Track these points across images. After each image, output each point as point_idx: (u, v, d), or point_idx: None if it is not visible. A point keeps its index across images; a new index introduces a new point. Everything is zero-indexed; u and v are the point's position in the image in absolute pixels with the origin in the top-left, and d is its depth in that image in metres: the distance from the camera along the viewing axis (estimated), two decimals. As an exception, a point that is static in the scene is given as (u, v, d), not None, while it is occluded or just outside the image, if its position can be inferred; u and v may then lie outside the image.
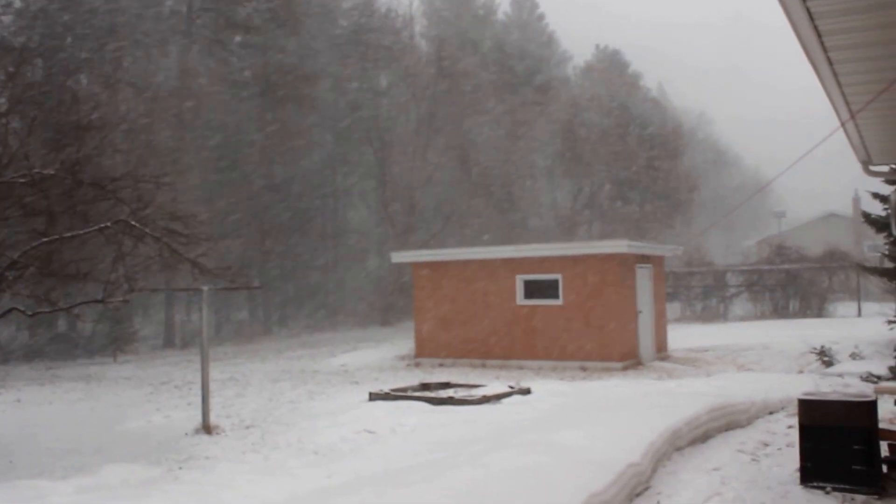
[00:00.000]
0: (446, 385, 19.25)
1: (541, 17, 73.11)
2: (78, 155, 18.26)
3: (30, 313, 17.50)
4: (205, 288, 15.92)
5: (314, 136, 44.91)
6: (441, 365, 24.81)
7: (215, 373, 16.54)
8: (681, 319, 42.16)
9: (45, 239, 15.82)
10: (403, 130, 49.81)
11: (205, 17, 40.77)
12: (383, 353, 27.82)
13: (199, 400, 15.99)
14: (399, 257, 28.11)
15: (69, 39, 33.99)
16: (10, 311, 17.46)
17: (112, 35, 35.44)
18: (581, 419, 14.03)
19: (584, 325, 24.02)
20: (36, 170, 16.11)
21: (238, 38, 42.43)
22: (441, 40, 53.28)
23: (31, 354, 31.86)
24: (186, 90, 37.83)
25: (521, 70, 58.28)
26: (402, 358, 26.61)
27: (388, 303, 44.97)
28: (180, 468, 12.28)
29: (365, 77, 47.97)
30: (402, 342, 29.22)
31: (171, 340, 37.11)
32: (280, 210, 43.53)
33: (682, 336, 29.69)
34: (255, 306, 44.50)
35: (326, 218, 47.55)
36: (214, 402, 15.90)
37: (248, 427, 15.47)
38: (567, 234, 56.82)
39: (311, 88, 42.75)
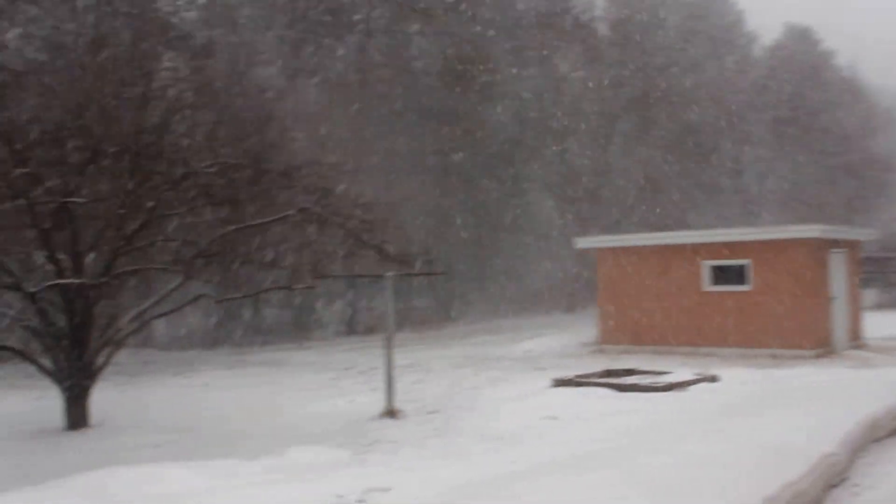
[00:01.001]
0: (631, 372, 18.83)
1: (727, -7, 70.65)
2: (262, 144, 18.64)
3: (217, 299, 17.99)
4: (389, 274, 15.96)
5: (494, 123, 44.78)
6: (625, 352, 24.30)
7: (398, 358, 16.57)
8: (877, 306, 40.07)
9: (232, 227, 16.20)
10: (585, 115, 49.15)
11: (383, 7, 41.23)
12: (566, 340, 27.49)
13: (382, 385, 16.07)
14: (583, 243, 27.73)
15: (250, 32, 34.95)
16: (198, 297, 18.04)
17: (292, 26, 36.27)
18: (771, 407, 13.58)
19: (774, 311, 23.12)
20: (222, 159, 16.52)
21: (416, 27, 42.70)
22: (623, 22, 52.29)
23: (218, 340, 32.95)
24: (365, 79, 38.36)
25: (705, 51, 56.61)
26: (586, 344, 26.22)
27: (572, 289, 44.56)
28: (365, 451, 12.31)
29: (545, 62, 47.55)
30: (585, 329, 28.79)
31: (354, 327, 37.74)
32: (461, 197, 43.66)
33: (878, 324, 28.15)
34: (437, 293, 44.79)
35: (508, 204, 47.38)
36: (397, 387, 15.94)
37: (431, 412, 15.44)
38: (754, 219, 55.00)
39: (490, 75, 42.67)
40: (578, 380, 17.37)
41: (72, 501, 9.43)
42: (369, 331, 35.36)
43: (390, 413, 15.18)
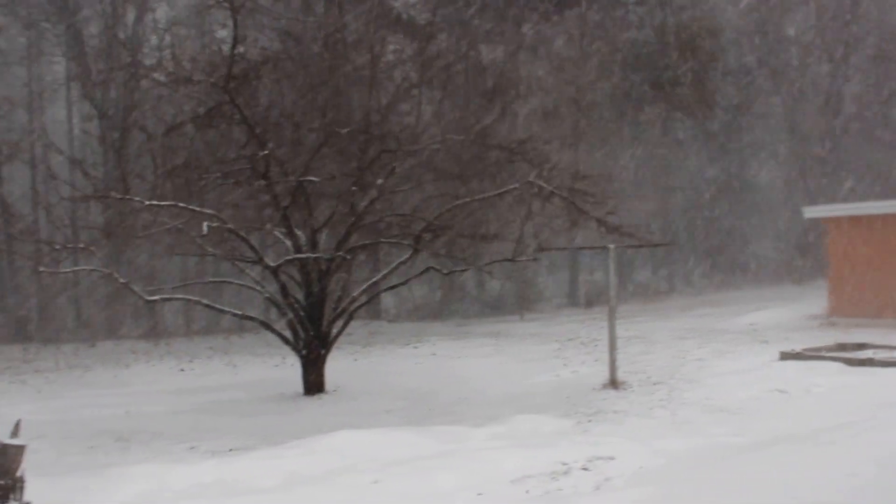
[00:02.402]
0: (864, 346, 18.07)
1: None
2: (485, 120, 19.02)
3: (445, 272, 18.54)
4: (611, 246, 16.02)
5: (717, 91, 43.69)
6: (858, 325, 23.28)
7: (620, 330, 16.60)
8: None
9: (458, 201, 16.67)
10: (814, 78, 47.15)
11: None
12: (793, 312, 26.63)
13: (605, 356, 16.19)
14: (812, 212, 26.74)
15: (471, 11, 35.42)
16: (427, 269, 18.68)
17: (512, 4, 36.50)
18: None
19: None
20: (447, 136, 17.01)
21: (633, -3, 42.23)
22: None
23: (443, 312, 33.81)
24: (584, 52, 38.19)
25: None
26: (814, 317, 25.32)
27: (799, 260, 43.02)
28: (589, 421, 12.49)
29: (771, 25, 45.90)
30: (813, 301, 27.78)
31: (575, 299, 37.83)
32: (683, 166, 42.97)
33: None
34: (658, 265, 44.29)
35: (731, 173, 46.21)
36: (620, 358, 16.00)
37: (654, 383, 15.43)
38: None
39: (712, 41, 41.62)
40: (807, 353, 16.86)
41: (311, 461, 10.08)
42: (591, 302, 35.38)
43: (613, 384, 15.29)
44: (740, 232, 46.62)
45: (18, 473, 7.82)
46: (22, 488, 7.80)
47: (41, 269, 17.52)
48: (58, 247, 16.79)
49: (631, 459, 9.45)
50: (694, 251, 45.21)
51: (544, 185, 16.12)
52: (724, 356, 18.05)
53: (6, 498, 7.72)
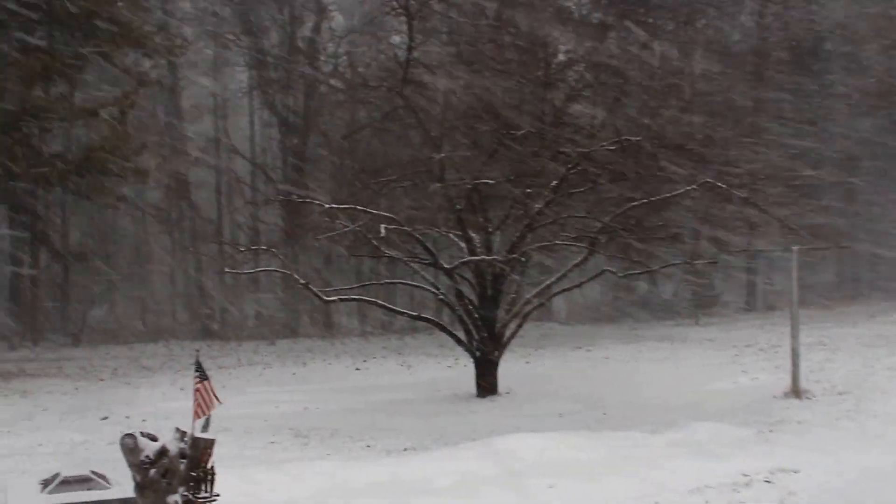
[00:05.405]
0: None
1: None
2: (659, 120, 18.65)
3: (620, 275, 18.28)
4: (794, 248, 15.46)
5: (860, 97, 41.66)
6: None
7: (802, 336, 15.92)
8: None
9: (634, 203, 16.39)
10: None
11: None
12: None
13: (786, 363, 15.63)
14: None
15: (642, 10, 34.83)
16: (602, 272, 18.44)
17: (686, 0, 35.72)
18: None
19: None
20: (623, 137, 16.74)
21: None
22: None
23: (615, 315, 33.40)
24: (762, 48, 37.08)
25: None
26: None
27: None
28: (770, 431, 12.07)
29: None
30: None
31: (753, 303, 36.80)
32: (869, 163, 41.09)
33: None
34: (843, 268, 42.53)
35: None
36: (802, 365, 15.41)
37: (840, 393, 14.80)
38: None
39: (855, 48, 39.79)
40: None
41: (485, 463, 10.10)
42: (770, 307, 34.37)
43: (796, 392, 14.74)
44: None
45: (209, 466, 8.09)
46: (213, 480, 8.06)
47: (225, 269, 18.16)
48: (241, 248, 17.40)
49: (817, 473, 9.09)
50: (881, 253, 43.22)
51: (722, 185, 15.66)
52: (919, 365, 17.15)
53: (198, 489, 7.99)
